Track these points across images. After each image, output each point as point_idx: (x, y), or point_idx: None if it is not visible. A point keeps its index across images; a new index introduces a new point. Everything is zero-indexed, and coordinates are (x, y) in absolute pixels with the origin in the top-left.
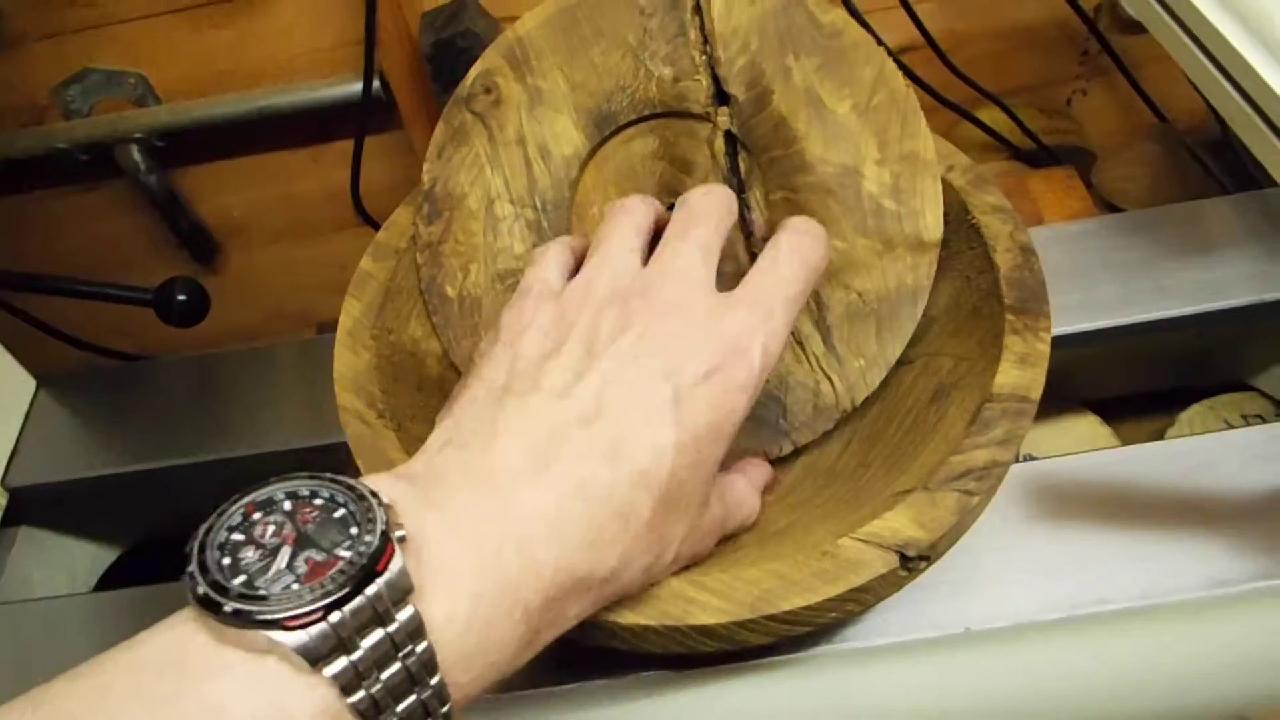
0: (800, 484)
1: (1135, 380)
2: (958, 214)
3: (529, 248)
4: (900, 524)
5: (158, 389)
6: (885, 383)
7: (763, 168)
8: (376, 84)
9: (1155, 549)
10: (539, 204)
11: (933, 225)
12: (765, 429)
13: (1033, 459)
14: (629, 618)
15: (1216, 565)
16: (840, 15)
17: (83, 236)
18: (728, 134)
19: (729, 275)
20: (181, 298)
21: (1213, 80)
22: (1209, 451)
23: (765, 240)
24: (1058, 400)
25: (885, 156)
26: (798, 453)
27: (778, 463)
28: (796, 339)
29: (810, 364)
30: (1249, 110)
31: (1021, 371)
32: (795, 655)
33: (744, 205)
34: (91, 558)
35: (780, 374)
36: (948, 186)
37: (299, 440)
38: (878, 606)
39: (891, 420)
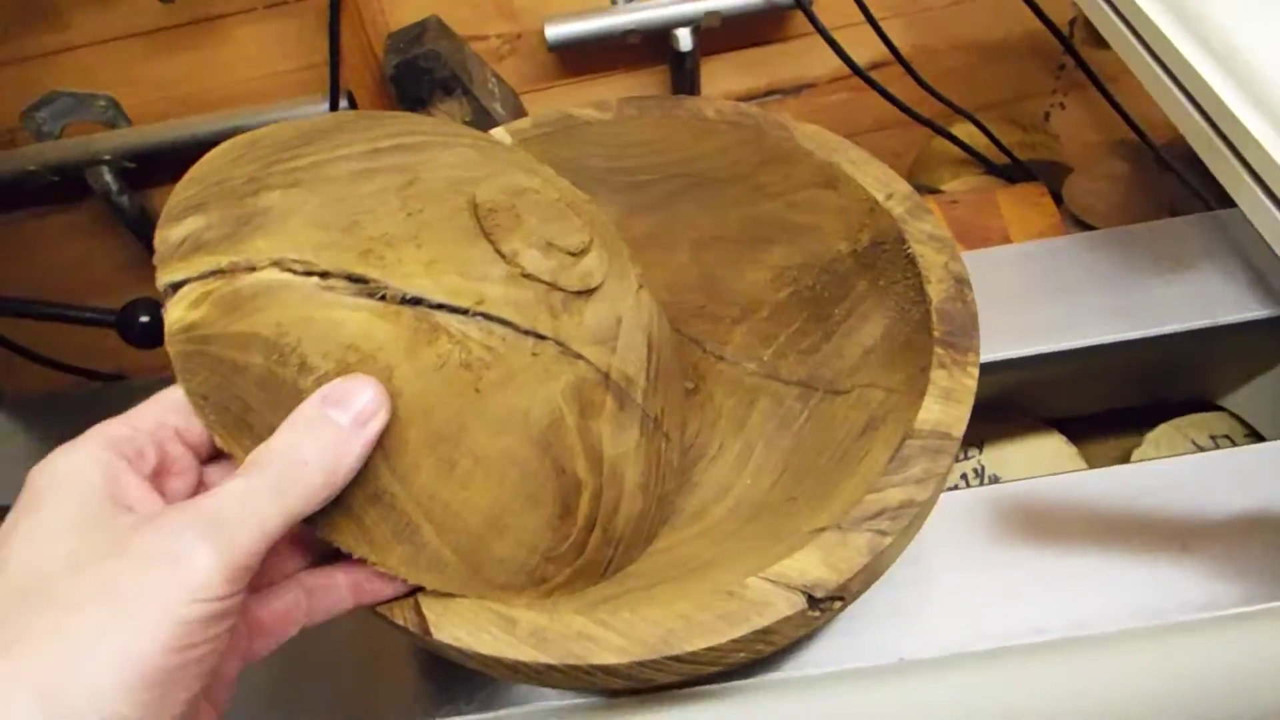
0: (729, 517)
1: (1101, 399)
2: (894, 243)
3: None
4: (809, 564)
5: (117, 410)
6: (820, 414)
7: None
8: (344, 104)
9: (1119, 574)
10: None
11: None
12: None
13: (997, 480)
14: (532, 655)
15: (1181, 590)
16: None
17: (55, 258)
18: None
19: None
20: (144, 319)
21: (1172, 97)
22: (1176, 474)
23: None
24: (1023, 419)
25: None
26: (728, 487)
27: (712, 497)
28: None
29: None
30: (1207, 129)
31: (945, 408)
32: (722, 685)
33: None
34: None
35: None
36: (885, 214)
37: None
38: (819, 632)
39: (823, 452)
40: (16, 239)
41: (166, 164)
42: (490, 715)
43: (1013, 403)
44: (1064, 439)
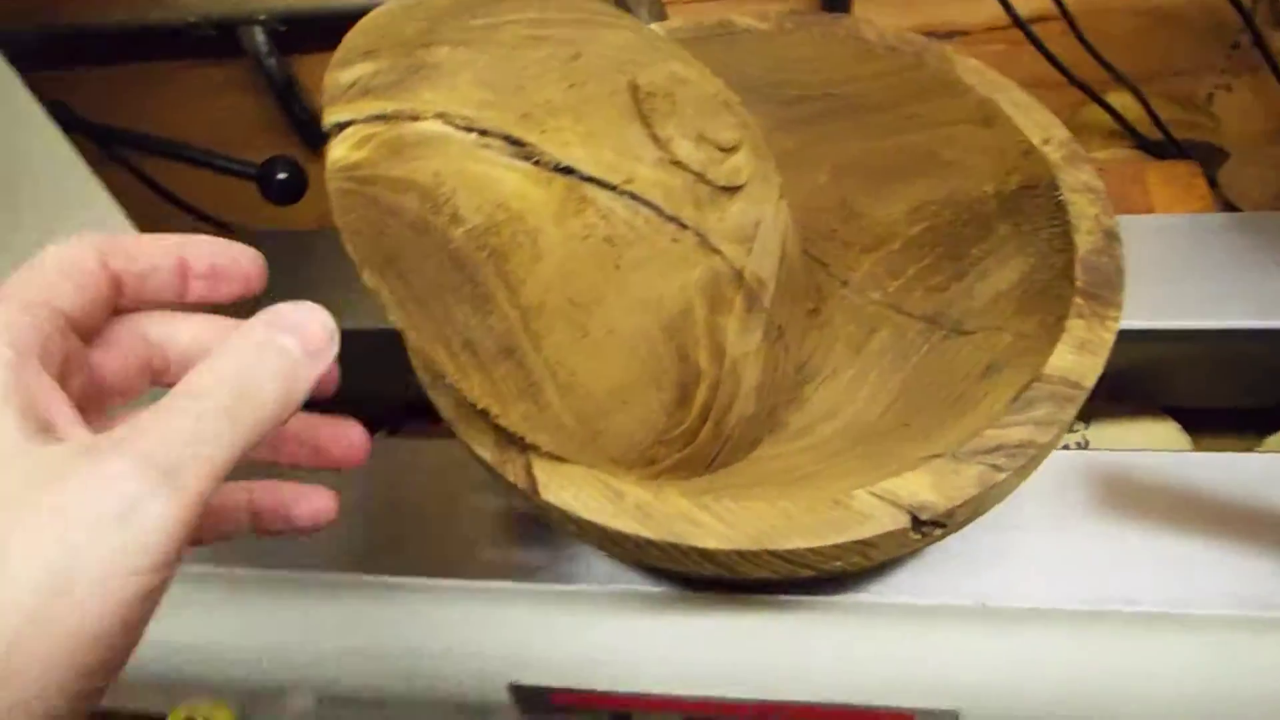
0: (836, 436)
1: (1225, 393)
2: (1045, 190)
3: None
4: (918, 486)
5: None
6: (941, 350)
7: None
8: None
9: (1223, 560)
10: None
11: None
12: None
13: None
14: (634, 528)
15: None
16: None
17: (201, 109)
18: None
19: None
20: (282, 176)
21: None
22: None
23: None
24: (1137, 401)
25: None
26: (838, 408)
27: (820, 416)
28: None
29: None
30: None
31: (1078, 357)
32: (805, 597)
33: None
34: None
35: None
36: (1040, 159)
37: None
38: (901, 564)
39: (940, 388)
40: (172, 87)
41: (316, 33)
42: (570, 588)
43: (1128, 382)
44: (1178, 426)
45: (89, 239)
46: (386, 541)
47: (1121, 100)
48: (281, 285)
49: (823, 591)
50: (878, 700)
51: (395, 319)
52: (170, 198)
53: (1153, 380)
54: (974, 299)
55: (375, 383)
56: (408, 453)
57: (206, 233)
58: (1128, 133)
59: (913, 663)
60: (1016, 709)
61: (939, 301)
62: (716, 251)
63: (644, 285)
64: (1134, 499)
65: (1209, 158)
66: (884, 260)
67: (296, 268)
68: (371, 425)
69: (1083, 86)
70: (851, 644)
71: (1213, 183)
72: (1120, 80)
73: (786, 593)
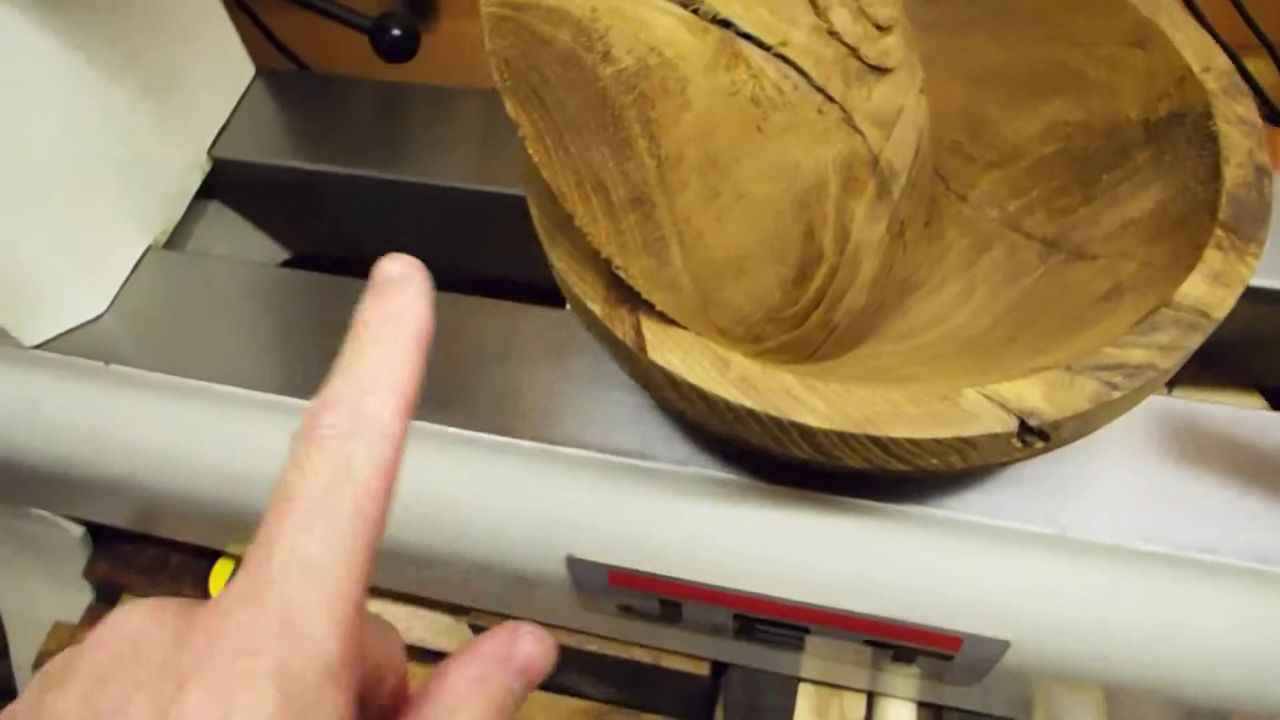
0: (940, 342)
1: None
2: (1196, 119)
3: None
4: (1028, 393)
5: (359, 105)
6: (1058, 273)
7: None
8: None
9: None
10: None
11: None
12: None
13: None
14: (738, 397)
15: None
16: None
17: None
18: None
19: None
20: (395, 32)
21: None
22: None
23: None
24: (1228, 372)
25: None
26: (942, 319)
27: (923, 325)
28: None
29: None
30: None
31: (1211, 288)
32: (876, 503)
33: None
34: (265, 253)
35: None
36: (1196, 87)
37: (473, 182)
38: (974, 482)
39: (1053, 308)
40: None
41: None
42: (642, 464)
43: (1223, 349)
44: (1265, 402)
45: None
46: (456, 394)
47: (1256, 65)
48: (377, 138)
49: (894, 499)
50: (928, 620)
51: (533, 153)
52: (283, 49)
53: (1249, 350)
54: (1100, 225)
55: (461, 243)
56: (487, 313)
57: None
58: (1260, 100)
59: (969, 585)
60: (1070, 647)
61: (1062, 225)
62: (858, 131)
63: (782, 153)
64: (1222, 452)
65: None
66: (1008, 179)
67: (394, 122)
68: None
69: (1223, 44)
70: (911, 558)
71: None
72: (1264, 43)
73: (860, 495)
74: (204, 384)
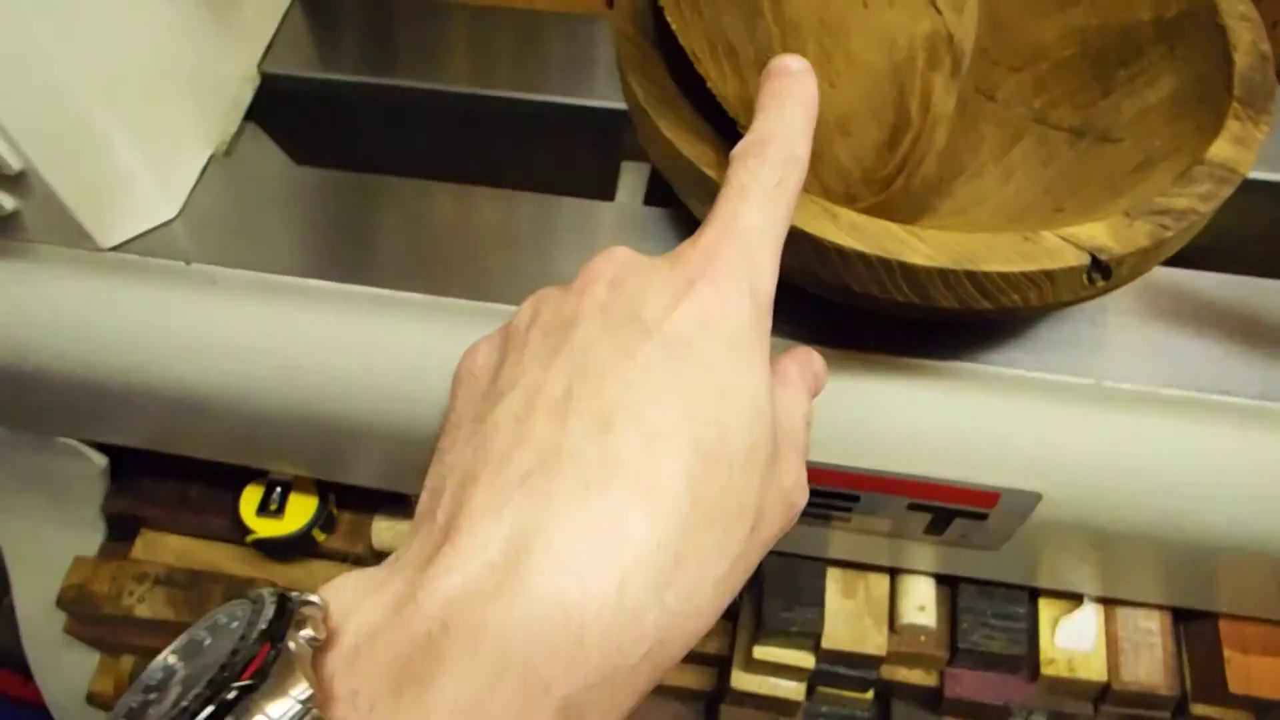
0: (991, 215)
1: None
2: (1205, 14)
3: None
4: (1097, 233)
5: (420, 19)
6: (1089, 153)
7: None
8: None
9: None
10: None
11: None
12: None
13: None
14: (850, 242)
15: None
16: None
17: None
18: None
19: None
20: None
21: None
22: None
23: None
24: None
25: None
26: (987, 198)
27: (971, 203)
28: None
29: None
30: None
31: (1235, 149)
32: (926, 362)
33: None
34: None
35: None
36: None
37: (560, 95)
38: (1013, 337)
39: (1091, 181)
40: None
41: None
42: None
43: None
44: None
45: None
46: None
47: None
48: (466, 61)
49: (937, 355)
50: (969, 477)
51: (671, 20)
52: None
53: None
54: (1121, 113)
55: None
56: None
57: None
58: None
59: (1006, 440)
60: (1096, 497)
61: (1086, 115)
62: (939, 12)
63: (884, 25)
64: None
65: None
66: (1031, 79)
67: (490, 43)
68: None
69: None
70: (953, 415)
71: None
72: None
73: (909, 354)
74: (286, 278)
